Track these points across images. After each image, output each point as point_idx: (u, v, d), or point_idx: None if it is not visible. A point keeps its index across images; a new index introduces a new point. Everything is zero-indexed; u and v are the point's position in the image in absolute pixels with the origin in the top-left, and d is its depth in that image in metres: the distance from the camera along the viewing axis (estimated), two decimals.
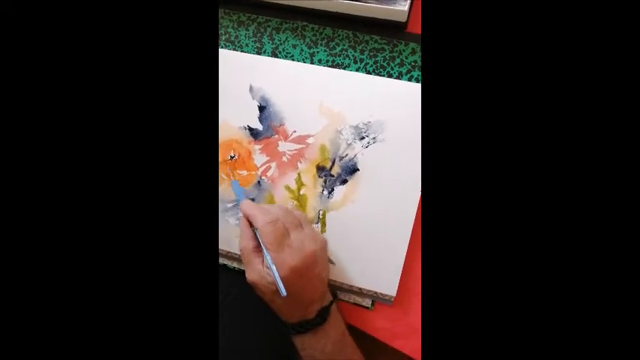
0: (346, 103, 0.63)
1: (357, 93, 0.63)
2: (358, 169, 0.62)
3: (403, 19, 0.64)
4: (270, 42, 0.68)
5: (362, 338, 0.61)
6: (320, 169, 0.63)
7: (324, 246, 0.57)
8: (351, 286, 0.62)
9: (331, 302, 0.57)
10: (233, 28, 0.68)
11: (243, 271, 0.56)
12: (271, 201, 0.64)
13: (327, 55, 0.67)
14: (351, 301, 0.63)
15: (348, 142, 0.63)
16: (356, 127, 0.63)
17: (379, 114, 0.62)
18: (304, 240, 0.55)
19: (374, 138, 0.62)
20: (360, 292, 0.63)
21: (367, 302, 0.63)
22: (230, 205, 0.65)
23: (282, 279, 0.51)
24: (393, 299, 0.62)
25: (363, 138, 0.63)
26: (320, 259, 0.55)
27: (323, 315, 0.55)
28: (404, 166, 0.61)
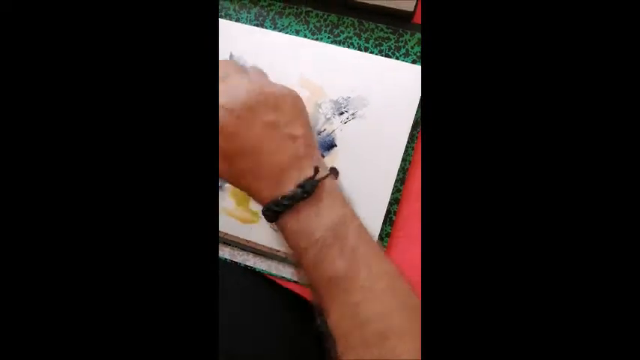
0: (327, 77, 0.62)
1: (340, 67, 0.62)
2: (336, 145, 0.60)
3: (410, 8, 0.63)
4: (273, 26, 0.66)
5: None
6: None
7: (292, 95, 0.46)
8: None
9: (321, 175, 0.43)
10: (234, 10, 0.68)
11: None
12: None
13: (331, 42, 0.65)
14: None
15: (327, 116, 0.61)
16: (335, 102, 0.61)
17: (361, 89, 0.61)
18: (243, 80, 0.45)
19: (353, 114, 0.60)
20: None
21: None
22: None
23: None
24: None
25: (342, 113, 0.61)
26: (284, 103, 0.45)
27: (305, 188, 0.42)
28: (382, 144, 0.59)
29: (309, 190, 0.42)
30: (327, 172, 0.44)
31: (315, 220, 0.42)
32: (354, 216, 0.44)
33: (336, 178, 0.47)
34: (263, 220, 0.58)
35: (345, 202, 0.45)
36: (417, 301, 0.42)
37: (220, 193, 0.61)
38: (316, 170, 0.43)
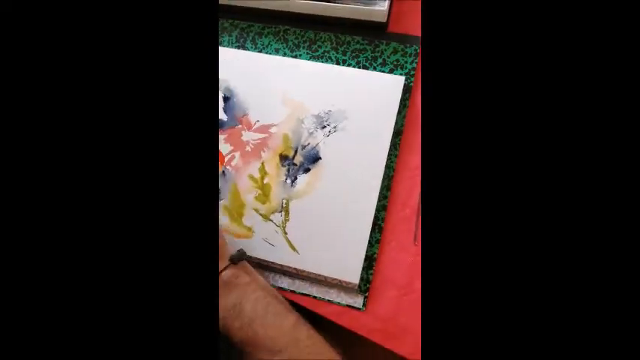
0: (308, 93, 0.64)
1: (319, 82, 0.65)
2: (320, 158, 0.62)
3: (383, 19, 0.65)
4: (253, 46, 0.69)
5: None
6: (283, 157, 0.63)
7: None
8: (317, 274, 0.60)
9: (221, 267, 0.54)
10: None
11: None
12: (235, 191, 0.63)
13: (310, 58, 0.67)
14: (343, 302, 0.61)
15: (310, 131, 0.63)
16: (317, 116, 0.63)
17: (340, 103, 0.63)
18: None
19: (335, 127, 0.63)
20: (325, 282, 0.60)
21: (358, 303, 0.60)
22: None
23: None
24: (357, 287, 0.59)
25: (324, 127, 0.63)
26: None
27: None
28: (365, 154, 0.61)
29: None
30: (226, 264, 0.55)
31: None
32: (253, 291, 0.54)
33: (242, 259, 0.56)
34: (257, 234, 0.60)
35: (244, 283, 0.54)
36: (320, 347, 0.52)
37: None
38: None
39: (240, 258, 0.56)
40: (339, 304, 0.60)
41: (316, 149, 0.62)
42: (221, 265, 0.54)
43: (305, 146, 0.63)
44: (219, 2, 0.68)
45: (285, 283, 0.62)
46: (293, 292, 0.61)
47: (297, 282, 0.61)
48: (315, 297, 0.61)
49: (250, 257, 0.60)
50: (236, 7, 0.69)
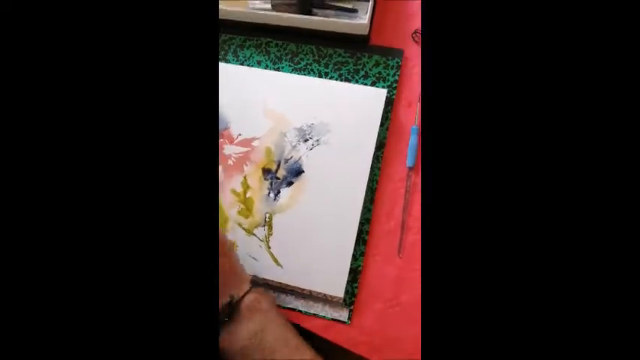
0: (290, 106, 0.64)
1: (302, 95, 0.65)
2: (303, 171, 0.62)
3: (364, 32, 0.65)
4: (235, 59, 0.69)
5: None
6: (266, 171, 0.63)
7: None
8: (302, 288, 0.59)
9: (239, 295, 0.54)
10: None
11: None
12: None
13: (292, 70, 0.67)
14: (328, 316, 0.60)
15: (293, 144, 0.63)
16: (300, 129, 0.63)
17: (323, 116, 0.63)
18: None
19: (317, 140, 0.63)
20: (310, 296, 0.60)
21: (344, 316, 0.59)
22: None
23: None
24: (342, 300, 0.59)
25: (307, 140, 0.63)
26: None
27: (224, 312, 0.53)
28: (348, 167, 0.61)
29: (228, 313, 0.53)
30: (249, 287, 0.54)
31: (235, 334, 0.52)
32: (274, 317, 0.54)
33: (260, 284, 0.56)
34: (241, 249, 0.60)
35: (265, 308, 0.53)
36: None
37: None
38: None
39: (257, 282, 0.55)
40: (324, 317, 0.60)
41: (299, 162, 0.62)
42: (244, 289, 0.54)
43: (288, 160, 0.63)
44: None
45: None
46: (278, 306, 0.61)
47: (282, 296, 0.61)
48: (300, 311, 0.60)
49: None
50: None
